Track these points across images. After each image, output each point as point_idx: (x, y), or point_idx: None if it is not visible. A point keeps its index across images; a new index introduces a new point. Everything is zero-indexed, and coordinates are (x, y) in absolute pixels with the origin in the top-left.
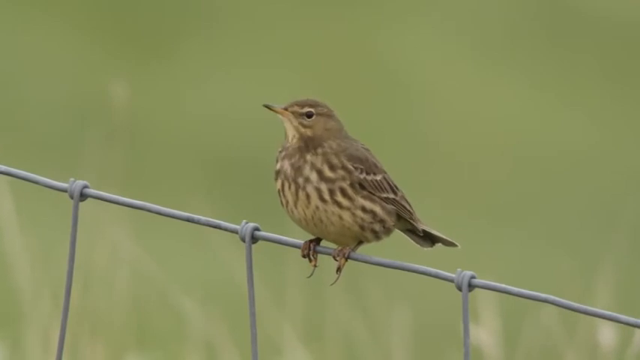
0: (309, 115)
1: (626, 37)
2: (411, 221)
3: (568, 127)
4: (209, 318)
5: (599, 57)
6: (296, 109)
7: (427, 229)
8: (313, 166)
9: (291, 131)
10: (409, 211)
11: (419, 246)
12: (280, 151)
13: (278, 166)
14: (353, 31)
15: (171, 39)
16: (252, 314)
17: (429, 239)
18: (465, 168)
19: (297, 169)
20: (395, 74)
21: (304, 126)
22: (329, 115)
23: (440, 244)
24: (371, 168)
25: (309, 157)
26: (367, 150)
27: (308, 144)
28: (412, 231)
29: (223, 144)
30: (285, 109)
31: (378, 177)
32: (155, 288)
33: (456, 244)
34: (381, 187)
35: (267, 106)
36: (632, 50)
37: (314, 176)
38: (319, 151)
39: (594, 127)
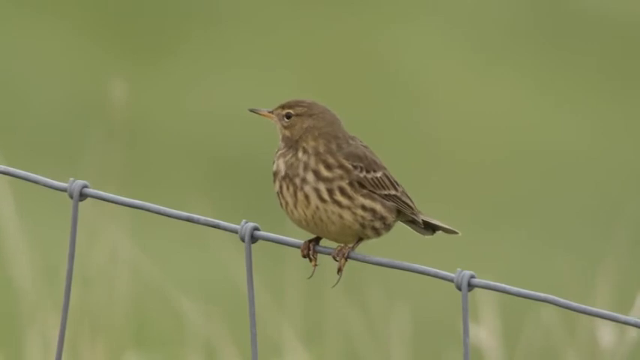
0: (288, 116)
1: (626, 37)
2: (413, 216)
3: (568, 127)
4: (209, 318)
5: (600, 57)
6: (279, 111)
7: (427, 219)
8: (308, 166)
9: (278, 133)
10: (410, 206)
11: (420, 234)
12: (277, 151)
13: (274, 167)
14: (353, 31)
15: (171, 39)
16: (252, 314)
17: (430, 228)
18: (465, 168)
19: (291, 167)
20: (395, 74)
21: (284, 127)
22: (309, 115)
23: (440, 232)
24: (371, 165)
25: (300, 155)
26: (366, 147)
27: (289, 144)
28: (413, 221)
29: (223, 144)
30: (271, 112)
31: (378, 174)
32: (155, 288)
33: (456, 231)
34: (381, 185)
35: (252, 110)
36: (632, 50)
37: (310, 176)
38: (310, 150)
39: (595, 126)
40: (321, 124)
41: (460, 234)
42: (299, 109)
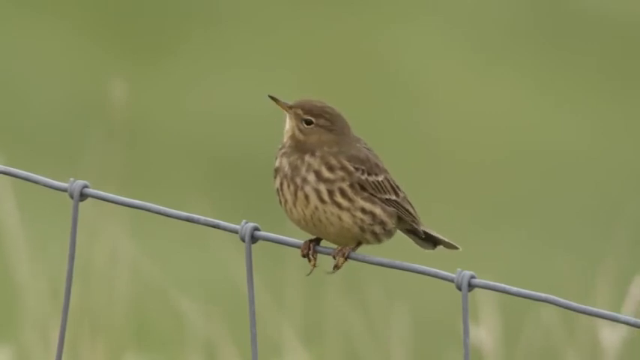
0: (308, 123)
1: (626, 37)
2: (413, 224)
3: (568, 127)
4: (209, 318)
5: (600, 57)
6: (299, 112)
7: (429, 231)
8: (310, 167)
9: (287, 128)
10: (411, 213)
11: (420, 247)
12: (280, 148)
13: (277, 163)
14: (353, 31)
15: (171, 39)
16: (252, 314)
17: (431, 241)
18: (465, 168)
19: (295, 168)
20: (395, 74)
21: (300, 130)
22: (329, 130)
23: (441, 247)
24: (372, 169)
25: (307, 157)
26: (369, 150)
27: (297, 146)
28: (413, 232)
29: (223, 144)
30: (290, 107)
31: (380, 178)
32: (155, 288)
33: (458, 246)
34: (382, 189)
35: (272, 98)
36: (632, 50)
37: (312, 177)
38: (317, 154)
39: (595, 126)
40: (338, 138)
41: (461, 249)
42: (322, 121)
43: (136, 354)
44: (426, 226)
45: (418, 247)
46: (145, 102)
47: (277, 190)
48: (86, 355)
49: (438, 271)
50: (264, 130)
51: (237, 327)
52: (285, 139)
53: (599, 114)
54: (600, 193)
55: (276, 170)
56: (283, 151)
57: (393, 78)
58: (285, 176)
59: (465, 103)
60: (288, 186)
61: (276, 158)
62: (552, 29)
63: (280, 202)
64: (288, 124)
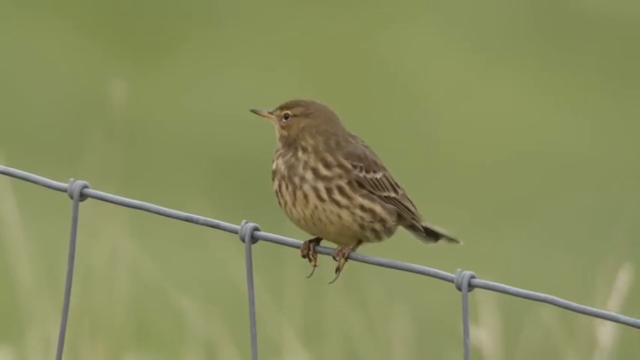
0: (286, 117)
1: (626, 37)
2: (413, 221)
3: (568, 127)
4: (209, 318)
5: (600, 57)
6: (278, 112)
7: (429, 225)
8: (307, 165)
9: (275, 132)
10: (410, 210)
11: (421, 242)
12: (276, 151)
13: (274, 166)
14: (353, 31)
15: (171, 39)
16: (252, 314)
17: (432, 235)
18: (465, 168)
19: (291, 167)
20: (395, 74)
21: (282, 127)
22: (306, 115)
23: (443, 240)
24: (370, 166)
25: (300, 154)
26: (367, 147)
27: (286, 143)
28: (414, 227)
29: (223, 144)
30: (271, 112)
31: (378, 175)
32: (155, 288)
33: (458, 240)
34: (381, 186)
35: (253, 111)
36: (632, 50)
37: (309, 175)
38: (310, 149)
39: (595, 126)
40: (318, 122)
41: (462, 243)
42: (297, 110)
43: (136, 354)
44: (426, 222)
45: (418, 246)
46: (145, 102)
47: (276, 192)
48: (86, 355)
49: (437, 271)
50: (264, 131)
51: (237, 327)
52: (277, 142)
53: (599, 114)
54: (600, 194)
55: (274, 172)
56: (279, 153)
57: (393, 78)
58: (283, 177)
59: (465, 104)
60: (287, 187)
61: (273, 161)
62: (552, 29)
63: (280, 204)
64: (275, 128)
